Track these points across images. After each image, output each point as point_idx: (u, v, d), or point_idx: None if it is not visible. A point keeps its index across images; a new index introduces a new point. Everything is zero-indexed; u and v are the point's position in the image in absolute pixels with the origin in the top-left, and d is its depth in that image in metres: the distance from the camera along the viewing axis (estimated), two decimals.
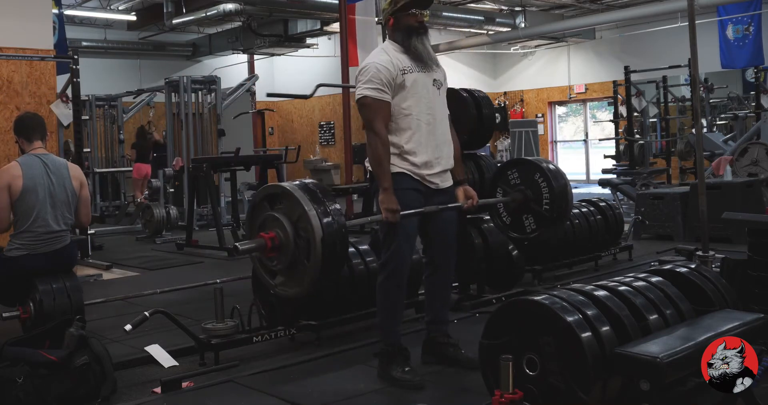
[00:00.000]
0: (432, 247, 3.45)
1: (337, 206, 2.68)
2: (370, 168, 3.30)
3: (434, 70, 3.35)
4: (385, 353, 3.31)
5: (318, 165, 16.30)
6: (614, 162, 12.09)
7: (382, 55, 3.26)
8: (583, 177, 17.00)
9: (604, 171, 11.15)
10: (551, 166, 4.01)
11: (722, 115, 12.58)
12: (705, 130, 11.07)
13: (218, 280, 5.01)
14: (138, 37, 15.19)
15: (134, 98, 12.54)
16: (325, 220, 2.57)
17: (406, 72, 3.23)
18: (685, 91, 12.95)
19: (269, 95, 7.79)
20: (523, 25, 14.17)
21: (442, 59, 17.60)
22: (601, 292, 2.61)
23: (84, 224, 4.69)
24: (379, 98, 3.17)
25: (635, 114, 11.38)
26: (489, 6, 14.68)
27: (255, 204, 2.83)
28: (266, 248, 2.64)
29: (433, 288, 3.51)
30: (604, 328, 2.41)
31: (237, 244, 2.66)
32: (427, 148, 3.26)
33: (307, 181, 2.81)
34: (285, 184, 2.75)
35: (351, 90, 10.12)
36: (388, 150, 3.19)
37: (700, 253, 4.11)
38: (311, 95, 7.33)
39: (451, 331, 3.57)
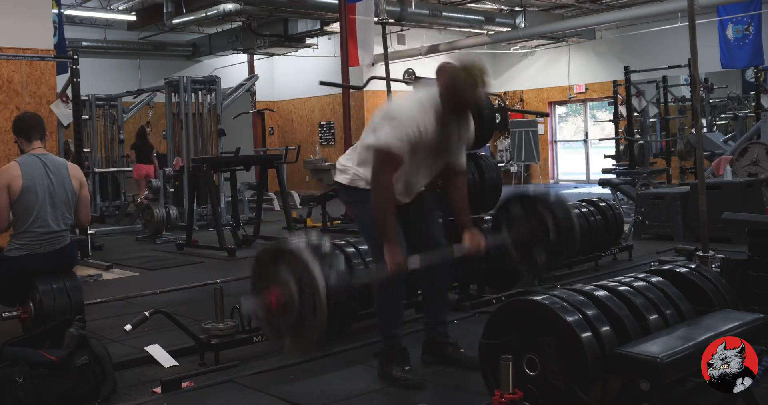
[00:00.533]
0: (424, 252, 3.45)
1: (341, 260, 2.63)
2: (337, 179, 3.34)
3: (454, 140, 3.26)
4: (385, 353, 3.32)
5: (318, 165, 16.29)
6: (614, 162, 12.09)
7: (423, 115, 3.06)
8: (583, 177, 17.00)
9: (604, 171, 11.15)
10: (551, 196, 3.91)
11: (722, 115, 12.58)
12: (705, 130, 11.07)
13: (218, 280, 5.01)
14: (138, 37, 15.20)
15: (134, 98, 12.55)
16: (329, 274, 2.55)
17: (426, 136, 3.10)
18: (685, 91, 12.95)
19: (322, 83, 7.74)
20: (523, 25, 14.17)
21: (442, 59, 17.69)
22: (601, 292, 2.61)
23: (84, 224, 4.69)
24: (398, 153, 3.06)
25: (635, 114, 11.39)
26: (489, 6, 14.68)
27: (258, 263, 2.79)
28: (271, 307, 2.61)
29: (430, 291, 3.53)
30: (604, 328, 2.41)
31: (242, 298, 2.60)
32: (398, 192, 3.25)
33: (310, 236, 2.76)
34: (287, 239, 2.71)
35: (351, 90, 10.12)
36: (391, 203, 3.11)
37: (700, 253, 4.12)
38: (363, 87, 7.38)
39: (451, 331, 3.57)
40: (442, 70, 3.13)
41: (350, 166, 3.33)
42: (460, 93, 3.05)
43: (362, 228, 3.46)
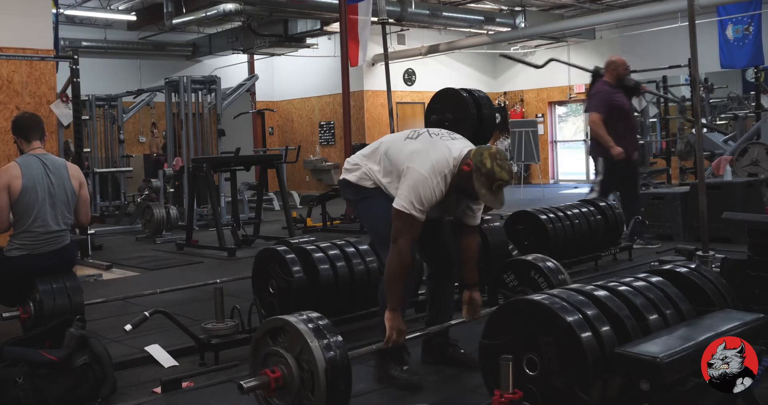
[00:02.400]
0: (430, 253, 3.45)
1: (339, 338, 2.66)
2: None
3: (462, 203, 3.28)
4: (384, 353, 3.31)
5: (318, 165, 16.31)
6: None
7: (441, 180, 3.03)
8: (583, 177, 16.99)
9: None
10: (549, 264, 3.80)
11: (722, 115, 12.57)
12: (705, 130, 11.07)
13: (218, 280, 5.01)
14: (138, 37, 15.20)
15: (134, 98, 12.55)
16: (328, 352, 2.57)
17: (441, 198, 3.11)
18: (685, 91, 12.95)
19: (502, 56, 7.67)
20: (523, 25, 14.17)
21: (442, 59, 17.60)
22: (601, 292, 2.61)
23: (83, 224, 4.69)
24: (419, 218, 3.05)
25: (635, 114, 11.37)
26: (489, 6, 14.68)
27: (258, 339, 2.79)
28: (270, 388, 2.64)
29: (433, 292, 3.54)
30: (604, 328, 2.41)
31: (242, 382, 2.61)
32: None
33: (310, 314, 2.77)
34: (287, 317, 2.72)
35: (352, 90, 10.12)
36: (406, 270, 3.10)
37: (700, 253, 4.12)
38: (542, 66, 7.37)
39: (452, 330, 3.57)
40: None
41: (362, 165, 3.33)
42: (474, 184, 2.98)
43: (367, 223, 3.47)
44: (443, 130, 3.30)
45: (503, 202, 3.03)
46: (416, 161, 3.06)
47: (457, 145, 3.13)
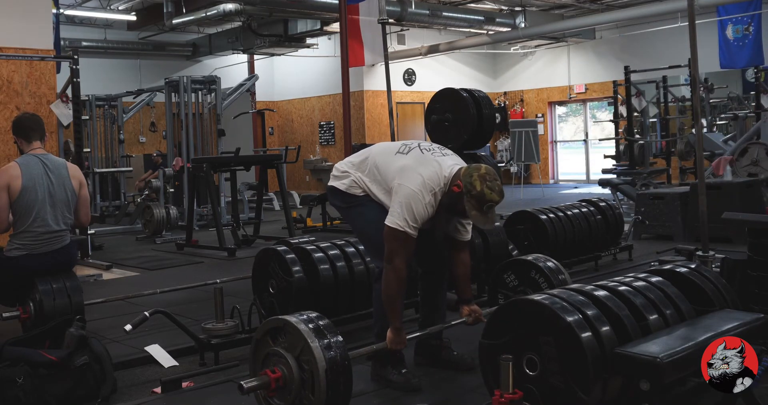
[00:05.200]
0: (421, 253, 3.43)
1: (339, 338, 2.67)
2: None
3: (452, 221, 3.28)
4: (380, 356, 3.29)
5: (318, 165, 16.32)
6: (614, 162, 12.09)
7: (432, 197, 3.04)
8: (583, 177, 17.00)
9: (604, 171, 11.15)
10: (549, 264, 3.78)
11: (722, 115, 12.57)
12: (705, 130, 11.07)
13: (218, 280, 5.01)
14: (138, 37, 15.20)
15: (134, 98, 12.55)
16: (329, 352, 2.57)
17: (432, 214, 3.13)
18: (685, 91, 12.94)
19: None
20: (523, 25, 14.17)
21: (442, 59, 17.61)
22: (601, 292, 2.61)
23: (84, 224, 4.69)
24: (412, 235, 3.04)
25: (635, 114, 11.38)
26: (489, 6, 14.68)
27: (258, 339, 2.79)
28: (270, 388, 2.65)
29: (425, 292, 3.54)
30: (604, 328, 2.42)
31: (242, 382, 2.61)
32: None
33: (310, 314, 2.78)
34: (287, 317, 2.72)
35: (352, 90, 10.11)
36: (403, 288, 3.10)
37: (700, 253, 4.12)
38: None
39: (451, 331, 3.56)
40: (462, 174, 3.02)
41: (351, 173, 3.32)
42: (465, 205, 2.98)
43: (358, 230, 3.46)
44: (434, 145, 3.28)
45: (494, 222, 3.05)
46: (406, 177, 3.06)
47: (447, 162, 3.12)
